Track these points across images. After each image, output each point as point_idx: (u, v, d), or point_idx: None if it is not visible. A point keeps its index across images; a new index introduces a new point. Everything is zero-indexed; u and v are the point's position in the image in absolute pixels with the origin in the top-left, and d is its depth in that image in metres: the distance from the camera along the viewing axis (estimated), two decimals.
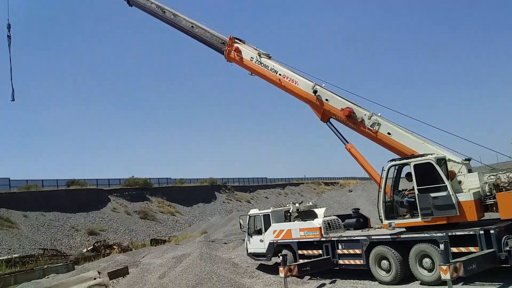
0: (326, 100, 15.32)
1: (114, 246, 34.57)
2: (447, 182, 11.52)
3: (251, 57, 17.50)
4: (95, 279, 11.29)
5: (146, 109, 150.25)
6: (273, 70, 16.84)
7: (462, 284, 10.66)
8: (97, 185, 52.78)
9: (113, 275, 12.81)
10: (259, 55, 17.23)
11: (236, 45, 18.04)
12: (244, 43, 18.30)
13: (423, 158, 12.17)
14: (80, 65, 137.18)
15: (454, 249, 10.72)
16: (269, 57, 17.47)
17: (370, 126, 14.22)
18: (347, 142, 15.25)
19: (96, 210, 45.75)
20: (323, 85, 15.66)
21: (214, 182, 69.17)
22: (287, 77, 16.39)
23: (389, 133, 13.84)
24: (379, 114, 14.27)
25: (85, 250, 34.45)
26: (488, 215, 12.01)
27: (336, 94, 15.31)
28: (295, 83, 16.16)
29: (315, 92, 15.49)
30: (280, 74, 16.59)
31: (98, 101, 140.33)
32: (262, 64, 17.13)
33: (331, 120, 15.58)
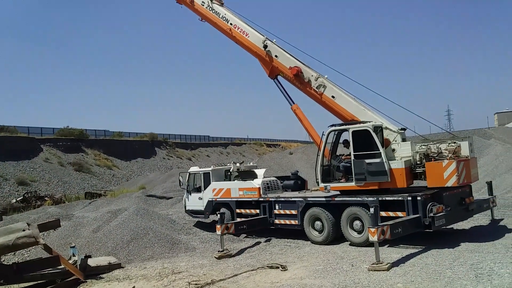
0: (276, 56, 15.10)
1: (46, 198, 33.22)
2: (381, 150, 11.97)
3: (202, 2, 16.80)
4: (23, 230, 10.77)
5: (84, 54, 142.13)
6: (224, 19, 16.30)
7: (388, 246, 11.32)
8: (28, 133, 49.88)
9: (44, 227, 12.30)
10: (211, 1, 16.57)
11: None
12: None
13: (361, 125, 12.51)
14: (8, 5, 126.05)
15: (383, 213, 11.30)
16: (222, 4, 16.83)
17: (316, 88, 14.24)
18: (293, 103, 15.27)
19: (27, 160, 43.46)
20: (274, 40, 15.37)
21: (155, 137, 67.76)
22: (238, 28, 15.94)
23: (333, 96, 13.96)
24: (325, 76, 14.29)
25: (14, 200, 32.87)
26: (416, 183, 12.71)
27: (286, 52, 15.09)
28: (246, 35, 15.76)
29: (265, 47, 15.19)
30: (231, 24, 16.10)
31: (32, 39, 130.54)
32: (214, 11, 16.51)
33: (279, 78, 15.44)
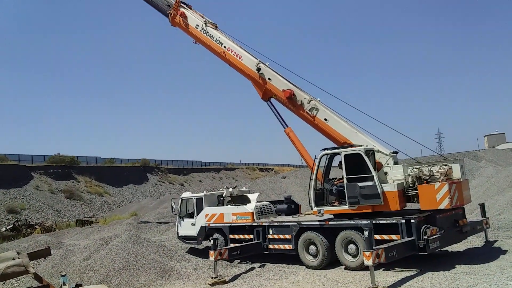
0: (269, 79, 15.20)
1: (36, 226, 32.69)
2: (373, 173, 12.03)
3: (197, 25, 17.02)
4: (13, 259, 10.51)
5: (75, 80, 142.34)
6: (218, 42, 16.45)
7: (383, 270, 11.25)
8: (19, 161, 49.43)
9: (34, 256, 11.93)
10: (205, 24, 16.77)
11: (182, 9, 17.50)
12: (190, 8, 17.73)
13: (353, 149, 12.61)
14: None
15: (377, 237, 11.26)
16: (216, 27, 17.02)
17: (309, 111, 14.31)
18: (287, 126, 15.30)
19: (17, 188, 42.91)
20: (267, 63, 15.50)
21: (147, 163, 67.44)
22: (232, 51, 16.08)
23: (326, 119, 14.03)
24: (318, 99, 14.37)
25: (4, 229, 32.24)
26: (410, 206, 12.73)
27: (279, 74, 15.20)
28: (240, 58, 15.88)
29: (258, 69, 15.29)
30: (225, 47, 16.24)
31: (21, 67, 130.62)
32: (208, 34, 16.69)
33: (272, 100, 15.49)
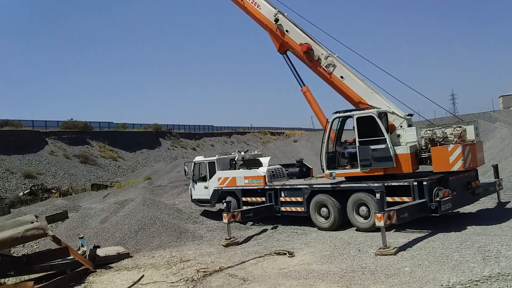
0: (287, 31, 14.74)
1: (53, 190, 33.49)
2: (386, 136, 11.94)
3: None
4: (32, 222, 10.87)
5: (87, 47, 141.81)
6: None
7: (395, 231, 11.36)
8: (33, 127, 50.04)
9: (52, 219, 12.42)
10: None
11: None
12: None
13: (365, 111, 12.46)
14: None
15: (389, 199, 11.29)
16: None
17: (325, 67, 13.92)
18: (304, 85, 14.99)
19: (32, 153, 43.66)
20: (286, 14, 14.95)
21: (159, 128, 67.79)
22: None
23: (342, 77, 13.68)
24: (336, 55, 13.94)
25: (21, 193, 33.13)
26: (422, 168, 12.69)
27: (298, 27, 14.69)
28: (258, 7, 15.42)
29: (276, 20, 14.83)
30: None
31: (34, 36, 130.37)
32: None
33: (289, 54, 15.07)
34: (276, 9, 15.06)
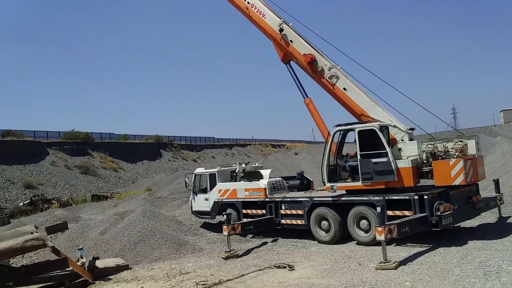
0: (291, 41, 14.77)
1: (53, 201, 33.43)
2: (388, 149, 11.94)
3: None
4: (31, 233, 10.83)
5: (89, 57, 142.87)
6: None
7: (395, 245, 11.29)
8: (34, 137, 50.13)
9: (52, 230, 12.37)
10: None
11: None
12: None
13: (367, 125, 12.48)
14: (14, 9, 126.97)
15: (389, 212, 11.27)
16: None
17: (329, 78, 13.93)
18: (307, 96, 14.96)
19: (33, 163, 43.71)
20: (291, 23, 15.01)
21: (160, 140, 67.95)
22: (255, 8, 15.59)
23: (345, 89, 13.68)
24: (339, 67, 13.96)
25: (21, 203, 33.07)
26: (423, 182, 12.67)
27: (302, 37, 14.72)
28: (263, 16, 15.43)
29: (281, 30, 14.85)
30: (248, 3, 15.76)
31: (36, 45, 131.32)
32: None
33: (292, 63, 15.08)
34: (281, 19, 15.12)
